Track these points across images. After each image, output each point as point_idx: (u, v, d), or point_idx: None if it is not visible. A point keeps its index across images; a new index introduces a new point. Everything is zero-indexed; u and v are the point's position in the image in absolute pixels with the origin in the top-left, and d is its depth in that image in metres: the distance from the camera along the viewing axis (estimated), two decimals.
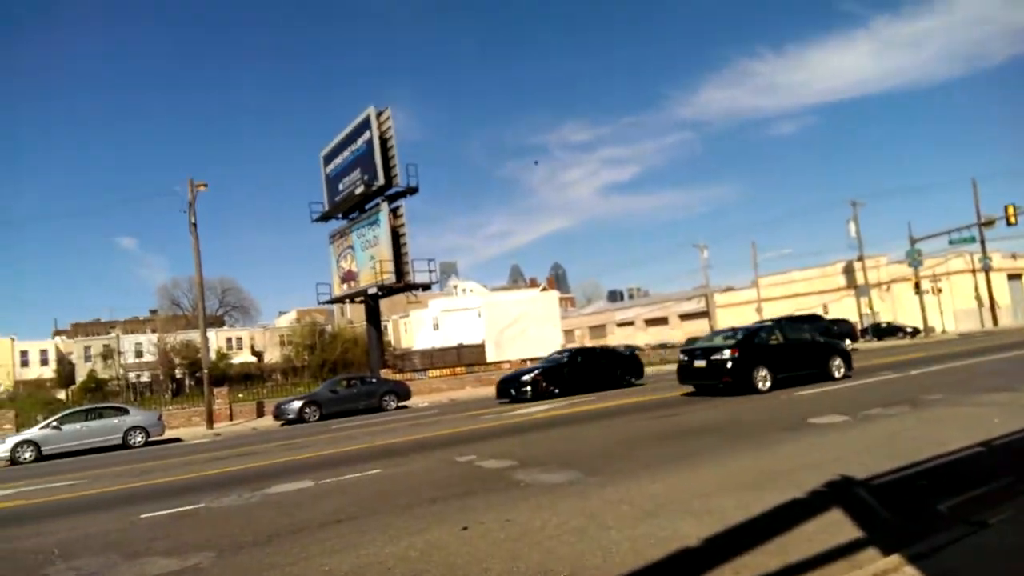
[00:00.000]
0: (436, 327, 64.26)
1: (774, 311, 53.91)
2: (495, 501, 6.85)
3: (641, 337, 77.22)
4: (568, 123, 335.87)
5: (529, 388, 20.51)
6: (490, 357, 50.69)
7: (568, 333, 79.44)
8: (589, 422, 13.47)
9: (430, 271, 34.64)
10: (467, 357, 48.98)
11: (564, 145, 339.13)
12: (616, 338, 79.50)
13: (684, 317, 75.77)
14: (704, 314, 71.41)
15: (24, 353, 67.18)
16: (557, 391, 20.68)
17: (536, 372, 21.13)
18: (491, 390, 31.11)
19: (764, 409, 12.79)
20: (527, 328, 54.78)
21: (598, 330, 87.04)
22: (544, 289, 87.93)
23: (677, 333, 71.84)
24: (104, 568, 5.76)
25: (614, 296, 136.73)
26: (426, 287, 36.25)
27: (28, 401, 44.10)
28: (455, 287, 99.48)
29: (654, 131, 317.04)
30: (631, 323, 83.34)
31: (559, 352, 24.12)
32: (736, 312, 66.36)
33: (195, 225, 27.07)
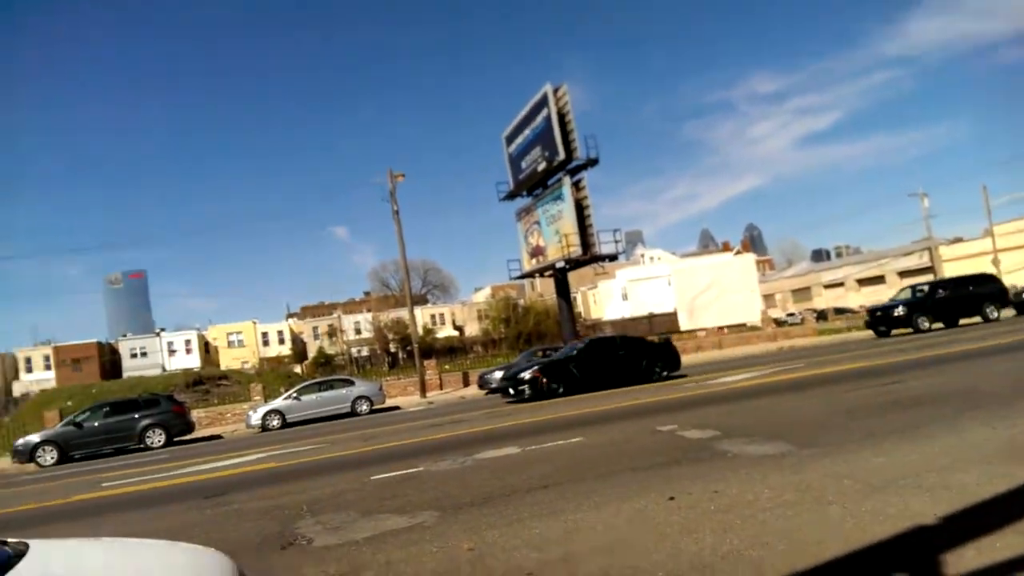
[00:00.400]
0: (625, 297, 63.89)
1: (1014, 262, 46.86)
2: (700, 472, 6.73)
3: (853, 298, 71.02)
4: (754, 74, 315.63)
5: (527, 387, 18.04)
6: (683, 325, 49.54)
7: (768, 298, 75.18)
8: (797, 391, 12.73)
9: (615, 241, 34.49)
10: (659, 326, 48.25)
11: (751, 98, 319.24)
12: (824, 300, 73.87)
13: (904, 274, 68.34)
14: (928, 269, 63.99)
15: (264, 334, 77.10)
16: (561, 389, 17.97)
17: (535, 368, 18.54)
18: (687, 359, 30.44)
19: (1002, 375, 11.27)
20: (722, 294, 52.68)
21: (802, 293, 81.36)
22: (738, 252, 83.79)
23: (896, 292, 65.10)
24: (345, 523, 6.50)
25: (819, 255, 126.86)
26: (612, 257, 36.11)
27: (271, 375, 50.68)
28: (642, 256, 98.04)
29: (854, 72, 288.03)
30: (840, 284, 76.83)
31: (575, 343, 20.75)
32: (966, 265, 58.61)
33: (397, 212, 29.17)
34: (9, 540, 3.24)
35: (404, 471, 8.94)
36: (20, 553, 3.04)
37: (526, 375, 18.24)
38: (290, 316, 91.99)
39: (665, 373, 19.35)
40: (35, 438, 19.98)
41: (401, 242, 29.46)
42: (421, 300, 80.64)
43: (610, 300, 69.11)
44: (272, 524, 6.89)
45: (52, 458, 19.35)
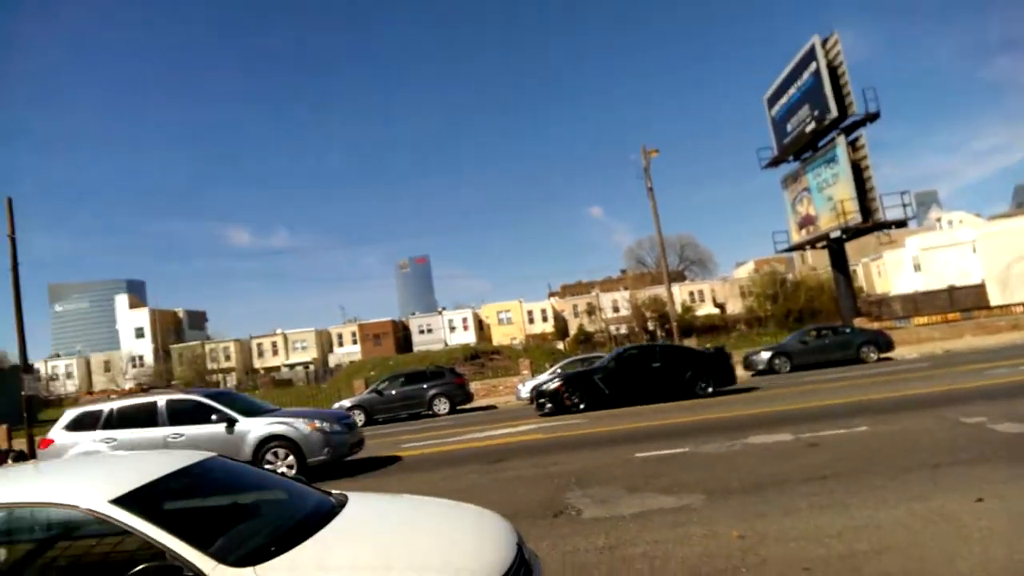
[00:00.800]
0: (917, 268, 56.47)
1: None
2: (1018, 472, 5.78)
3: None
4: None
5: (547, 400, 16.72)
6: (994, 300, 42.37)
7: None
8: None
9: (903, 205, 30.47)
10: (962, 301, 41.88)
11: None
12: None
13: None
14: None
15: (529, 312, 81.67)
16: (582, 405, 16.41)
17: (558, 382, 17.01)
18: (999, 339, 26.08)
19: None
20: None
21: None
22: None
23: None
24: (612, 498, 6.71)
25: None
26: (900, 224, 31.97)
27: (536, 351, 53.64)
28: (937, 220, 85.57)
29: None
30: None
31: (616, 350, 18.73)
32: None
33: (651, 189, 28.95)
34: (333, 492, 3.94)
35: (668, 451, 8.94)
36: (342, 503, 3.69)
37: (550, 388, 17.02)
38: (551, 295, 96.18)
39: (711, 389, 16.64)
40: (347, 403, 23.46)
41: (656, 218, 29.22)
42: (678, 277, 79.11)
43: (899, 272, 61.45)
44: (543, 492, 7.36)
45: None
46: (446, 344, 76.74)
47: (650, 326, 64.69)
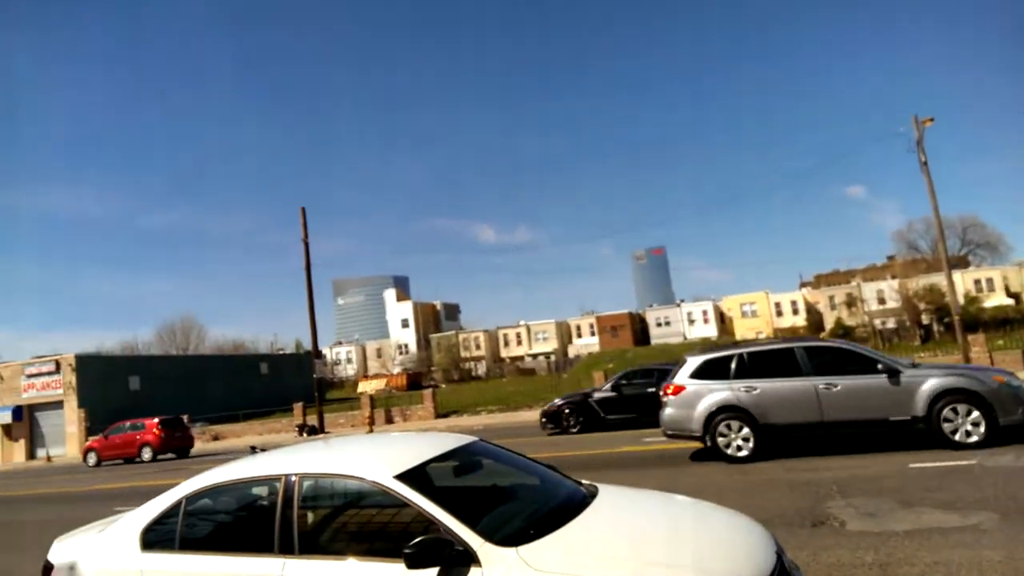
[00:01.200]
0: None
1: None
2: None
3: None
4: None
5: (548, 420, 17.99)
6: None
7: None
8: None
9: None
10: None
11: None
12: None
13: None
14: None
15: (777, 304, 76.44)
16: (575, 428, 17.24)
17: (561, 401, 18.29)
18: None
19: None
20: None
21: None
22: None
23: None
24: (881, 510, 6.08)
25: None
26: None
27: None
28: None
29: None
30: None
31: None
32: None
33: (925, 164, 25.50)
34: (584, 482, 4.06)
35: (950, 463, 7.88)
36: (593, 494, 3.78)
37: (553, 408, 18.11)
38: (803, 285, 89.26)
39: None
40: (558, 401, 23.31)
41: (933, 197, 25.66)
42: (960, 263, 68.75)
43: None
44: (801, 499, 6.90)
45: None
46: (685, 337, 74.98)
47: (924, 319, 57.24)
